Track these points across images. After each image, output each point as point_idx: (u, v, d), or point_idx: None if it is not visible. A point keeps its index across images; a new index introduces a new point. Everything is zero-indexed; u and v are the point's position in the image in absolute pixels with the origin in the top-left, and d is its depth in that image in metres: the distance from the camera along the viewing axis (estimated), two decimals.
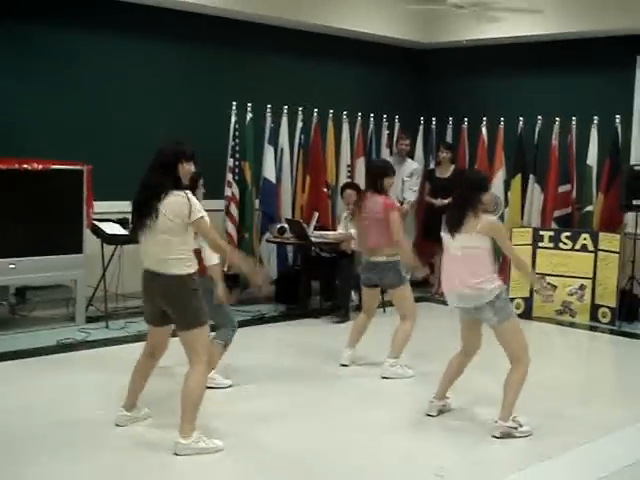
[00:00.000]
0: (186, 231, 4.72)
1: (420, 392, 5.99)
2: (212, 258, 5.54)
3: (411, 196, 9.90)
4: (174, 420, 4.80)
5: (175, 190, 4.70)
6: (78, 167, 7.63)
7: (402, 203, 9.82)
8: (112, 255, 8.03)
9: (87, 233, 7.78)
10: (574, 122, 9.37)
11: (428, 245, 10.10)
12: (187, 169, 4.79)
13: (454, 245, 5.28)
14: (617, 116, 9.07)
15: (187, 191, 4.74)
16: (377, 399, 6.03)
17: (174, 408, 4.85)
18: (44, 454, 4.73)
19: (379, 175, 6.71)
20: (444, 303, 8.12)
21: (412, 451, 5.01)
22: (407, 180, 9.89)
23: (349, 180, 9.68)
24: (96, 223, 7.85)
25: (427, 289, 10.09)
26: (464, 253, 5.22)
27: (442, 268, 5.46)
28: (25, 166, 7.30)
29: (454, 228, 5.25)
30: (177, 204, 4.66)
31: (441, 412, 5.63)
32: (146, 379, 5.15)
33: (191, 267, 4.75)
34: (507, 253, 5.53)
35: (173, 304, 4.74)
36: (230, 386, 6.02)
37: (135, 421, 5.17)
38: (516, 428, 5.23)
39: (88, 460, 4.67)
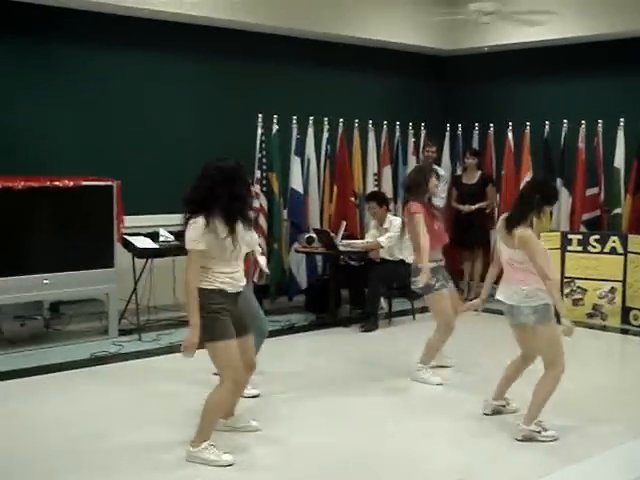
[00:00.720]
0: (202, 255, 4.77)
1: (453, 398, 6.02)
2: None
3: (439, 203, 9.92)
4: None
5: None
6: (108, 183, 7.76)
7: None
8: (143, 268, 8.14)
9: (118, 247, 7.89)
10: (600, 125, 9.35)
11: (457, 252, 10.16)
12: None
13: None
14: None
15: (197, 218, 4.80)
16: (411, 405, 6.08)
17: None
18: (79, 469, 4.80)
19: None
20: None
21: (435, 456, 5.05)
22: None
23: (376, 189, 9.73)
24: (127, 237, 7.97)
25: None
26: None
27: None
28: (56, 183, 7.43)
29: None
30: None
31: (497, 412, 5.67)
32: None
33: (205, 282, 4.77)
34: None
35: None
36: (256, 396, 6.05)
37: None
38: (539, 432, 5.23)
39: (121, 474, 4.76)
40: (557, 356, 5.23)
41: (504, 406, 5.72)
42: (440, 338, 6.64)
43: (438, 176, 6.85)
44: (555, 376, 5.24)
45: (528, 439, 5.23)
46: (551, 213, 9.47)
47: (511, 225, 5.20)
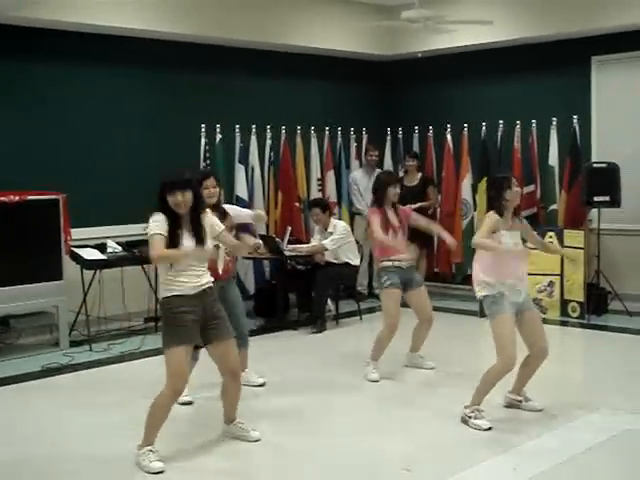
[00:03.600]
0: None
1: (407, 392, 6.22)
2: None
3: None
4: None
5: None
6: (54, 196, 7.83)
7: None
8: (92, 280, 8.22)
9: (66, 260, 7.96)
10: (534, 124, 9.66)
11: None
12: (172, 201, 4.85)
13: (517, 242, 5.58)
14: (575, 116, 9.36)
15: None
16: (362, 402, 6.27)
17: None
18: None
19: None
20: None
21: (385, 448, 5.24)
22: None
23: (320, 194, 9.94)
24: (74, 249, 8.05)
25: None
26: None
27: (513, 262, 5.50)
28: (2, 198, 7.49)
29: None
30: None
31: (512, 406, 5.85)
32: None
33: (164, 290, 4.91)
34: None
35: None
36: (262, 384, 6.49)
37: None
38: (470, 417, 5.47)
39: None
40: (502, 348, 5.45)
41: (520, 401, 5.82)
42: (384, 336, 6.79)
43: (402, 186, 7.02)
44: (497, 366, 5.47)
45: (463, 422, 5.50)
46: None
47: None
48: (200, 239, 4.91)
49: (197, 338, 4.96)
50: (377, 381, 6.69)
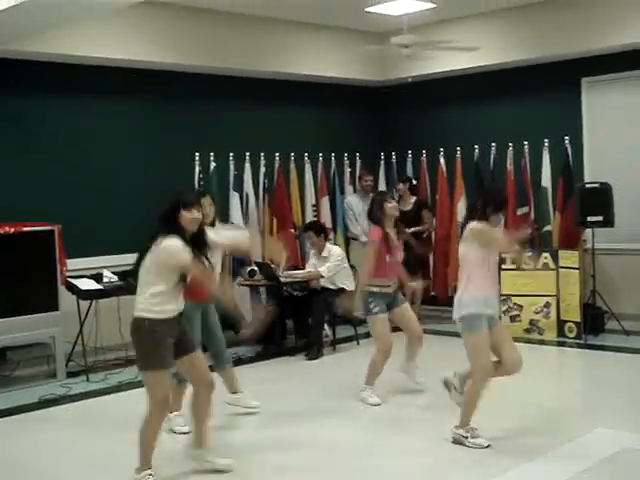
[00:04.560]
0: None
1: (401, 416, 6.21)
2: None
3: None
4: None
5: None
6: (49, 227, 7.85)
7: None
8: (88, 310, 8.22)
9: (62, 290, 7.96)
10: (526, 146, 9.72)
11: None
12: (187, 217, 4.91)
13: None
14: (566, 137, 9.42)
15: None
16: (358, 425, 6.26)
17: None
18: None
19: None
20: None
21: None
22: None
23: (314, 219, 9.97)
24: (70, 280, 8.06)
25: None
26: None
27: (486, 277, 5.50)
28: None
29: None
30: None
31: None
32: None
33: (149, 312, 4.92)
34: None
35: None
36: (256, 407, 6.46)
37: None
38: (466, 437, 5.47)
39: None
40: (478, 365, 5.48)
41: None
42: (378, 360, 6.81)
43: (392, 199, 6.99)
44: (475, 384, 5.49)
45: (458, 442, 5.49)
46: None
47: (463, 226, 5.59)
48: (203, 256, 4.97)
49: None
50: (379, 404, 6.68)
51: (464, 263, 5.51)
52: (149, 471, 4.94)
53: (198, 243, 4.98)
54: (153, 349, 4.90)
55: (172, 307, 4.94)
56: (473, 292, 5.42)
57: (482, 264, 5.42)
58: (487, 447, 5.43)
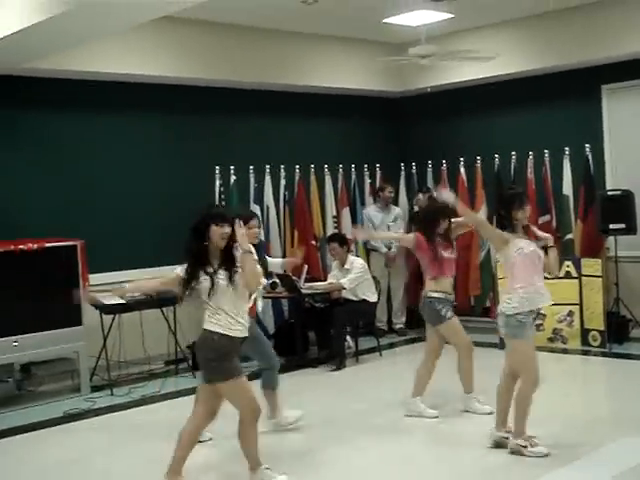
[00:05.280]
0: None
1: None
2: None
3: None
4: None
5: None
6: (71, 243, 7.91)
7: (390, 248, 10.16)
8: (111, 324, 8.26)
9: (86, 305, 8.01)
10: (547, 155, 9.69)
11: (420, 285, 10.39)
12: (218, 232, 4.94)
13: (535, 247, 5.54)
14: (587, 145, 9.38)
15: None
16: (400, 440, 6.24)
17: None
18: None
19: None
20: None
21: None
22: (392, 225, 10.22)
23: (336, 231, 9.97)
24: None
25: (423, 329, 10.30)
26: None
27: (533, 267, 5.48)
28: (21, 247, 7.58)
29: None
30: None
31: (500, 445, 5.64)
32: None
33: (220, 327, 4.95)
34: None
35: None
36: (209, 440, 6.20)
37: None
38: (525, 447, 5.43)
39: None
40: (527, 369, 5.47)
41: (507, 438, 5.61)
42: (468, 363, 6.71)
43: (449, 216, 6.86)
44: (524, 388, 5.46)
45: (517, 452, 5.44)
46: None
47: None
48: (232, 273, 4.94)
49: None
50: (437, 417, 6.58)
51: None
52: (262, 467, 5.11)
53: (226, 259, 4.98)
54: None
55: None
56: None
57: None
58: (547, 455, 5.40)
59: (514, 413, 5.53)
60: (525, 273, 5.43)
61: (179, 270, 5.02)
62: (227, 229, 4.93)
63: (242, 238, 4.94)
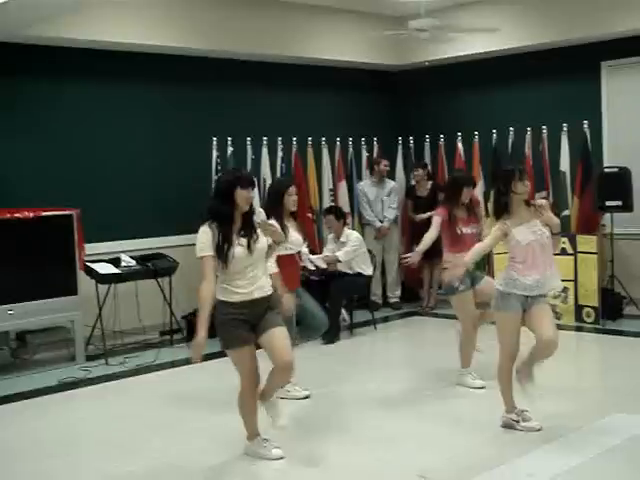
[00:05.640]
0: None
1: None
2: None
3: (391, 214, 10.23)
4: None
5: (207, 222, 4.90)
6: (67, 212, 7.90)
7: (382, 222, 10.16)
8: (106, 294, 8.28)
9: (81, 275, 8.01)
10: (545, 130, 9.66)
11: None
12: (244, 195, 4.87)
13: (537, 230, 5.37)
14: (585, 122, 9.34)
15: (206, 224, 4.88)
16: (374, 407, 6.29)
17: None
18: None
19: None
20: (435, 316, 8.33)
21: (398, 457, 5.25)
22: (386, 199, 10.21)
23: (332, 204, 9.97)
24: (89, 264, 8.12)
25: (417, 303, 10.37)
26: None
27: (532, 257, 5.32)
28: (17, 215, 7.57)
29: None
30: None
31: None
32: None
33: (222, 295, 4.91)
34: None
35: None
36: (307, 397, 6.42)
37: None
38: (517, 421, 5.46)
39: None
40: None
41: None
42: (466, 339, 6.70)
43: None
44: (500, 362, 5.49)
45: (508, 426, 5.48)
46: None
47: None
48: (250, 240, 4.89)
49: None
50: (484, 387, 6.56)
51: None
52: (258, 438, 5.15)
53: (246, 224, 4.93)
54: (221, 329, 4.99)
55: (232, 289, 4.91)
56: None
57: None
58: (539, 430, 5.42)
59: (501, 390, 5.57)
60: (523, 264, 5.34)
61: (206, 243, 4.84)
62: (252, 193, 4.92)
63: (274, 231, 5.01)
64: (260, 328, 4.97)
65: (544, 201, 5.59)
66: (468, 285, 6.58)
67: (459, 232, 6.59)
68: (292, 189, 6.32)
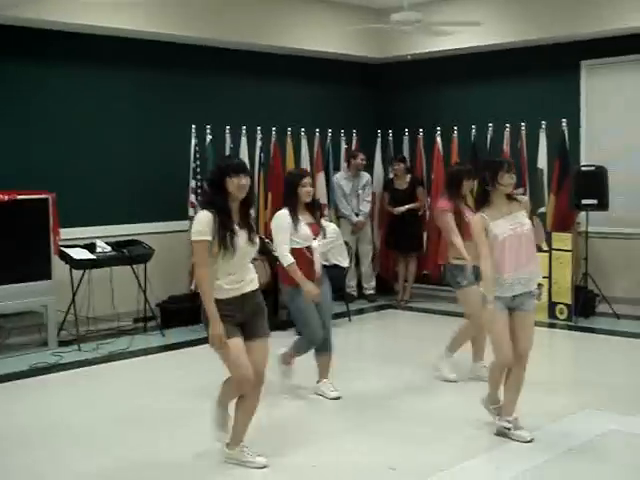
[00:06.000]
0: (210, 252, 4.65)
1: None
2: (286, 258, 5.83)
3: (366, 207, 10.25)
4: None
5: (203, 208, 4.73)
6: (43, 196, 7.83)
7: (358, 215, 10.17)
8: (81, 280, 8.22)
9: (55, 259, 7.96)
10: (523, 127, 9.70)
11: (391, 254, 10.48)
12: (235, 183, 4.64)
13: (515, 225, 5.25)
14: (564, 120, 9.39)
15: (205, 209, 4.68)
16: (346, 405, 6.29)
17: None
18: None
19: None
20: (410, 310, 8.31)
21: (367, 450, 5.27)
22: (361, 193, 10.22)
23: None
24: (63, 249, 8.06)
25: (392, 296, 10.38)
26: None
27: (509, 253, 5.21)
28: None
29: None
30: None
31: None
32: None
33: (217, 293, 4.69)
34: None
35: None
36: (338, 397, 6.28)
37: None
38: (509, 429, 5.31)
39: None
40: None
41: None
42: (464, 332, 6.72)
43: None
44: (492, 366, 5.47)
45: (501, 434, 5.35)
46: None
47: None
48: (250, 230, 4.75)
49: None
50: (456, 381, 6.63)
51: None
52: (242, 444, 4.96)
53: (242, 213, 4.76)
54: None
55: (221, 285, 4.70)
56: None
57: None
58: (530, 442, 5.26)
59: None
60: (500, 261, 5.21)
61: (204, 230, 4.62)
62: (244, 180, 4.66)
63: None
64: (246, 330, 4.79)
65: (525, 197, 5.62)
66: (472, 280, 6.54)
67: (467, 220, 6.47)
68: (306, 180, 6.03)
